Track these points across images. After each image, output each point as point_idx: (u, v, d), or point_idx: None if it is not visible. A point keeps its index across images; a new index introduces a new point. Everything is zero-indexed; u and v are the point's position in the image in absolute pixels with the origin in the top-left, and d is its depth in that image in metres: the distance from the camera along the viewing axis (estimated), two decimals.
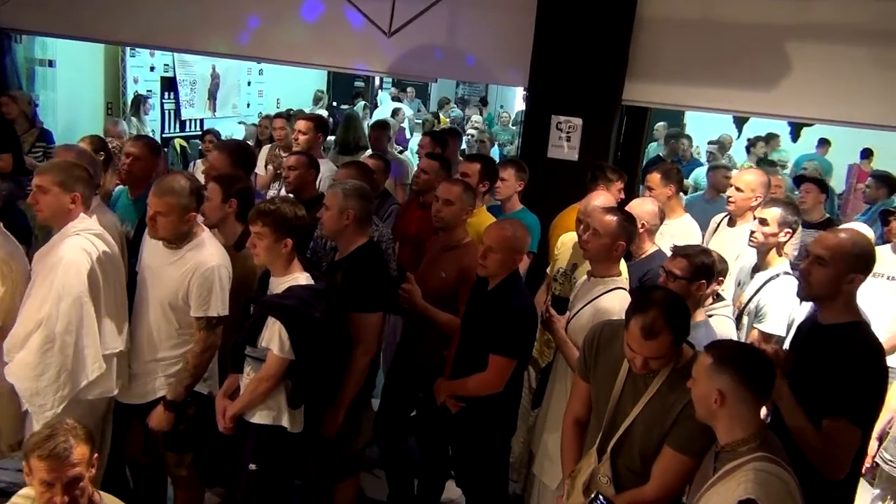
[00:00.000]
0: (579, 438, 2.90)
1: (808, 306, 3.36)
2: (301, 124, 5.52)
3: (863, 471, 3.87)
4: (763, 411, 2.81)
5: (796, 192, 6.18)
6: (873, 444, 3.78)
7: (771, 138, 10.58)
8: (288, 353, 3.11)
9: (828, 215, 5.81)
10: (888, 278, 4.60)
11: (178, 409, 3.32)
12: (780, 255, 3.92)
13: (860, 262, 2.71)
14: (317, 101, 11.98)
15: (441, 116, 12.41)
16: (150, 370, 3.38)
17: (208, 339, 3.30)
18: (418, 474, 4.08)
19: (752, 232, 3.94)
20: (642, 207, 4.05)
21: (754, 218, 4.02)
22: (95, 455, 2.50)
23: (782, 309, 3.76)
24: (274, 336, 3.10)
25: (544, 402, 3.66)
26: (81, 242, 3.19)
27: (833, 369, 2.58)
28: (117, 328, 3.31)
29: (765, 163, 8.90)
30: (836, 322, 2.71)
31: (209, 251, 3.34)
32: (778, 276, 3.82)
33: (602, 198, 4.09)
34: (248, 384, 3.22)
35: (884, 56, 4.92)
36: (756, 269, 3.95)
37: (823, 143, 10.91)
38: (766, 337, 3.74)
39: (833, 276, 2.68)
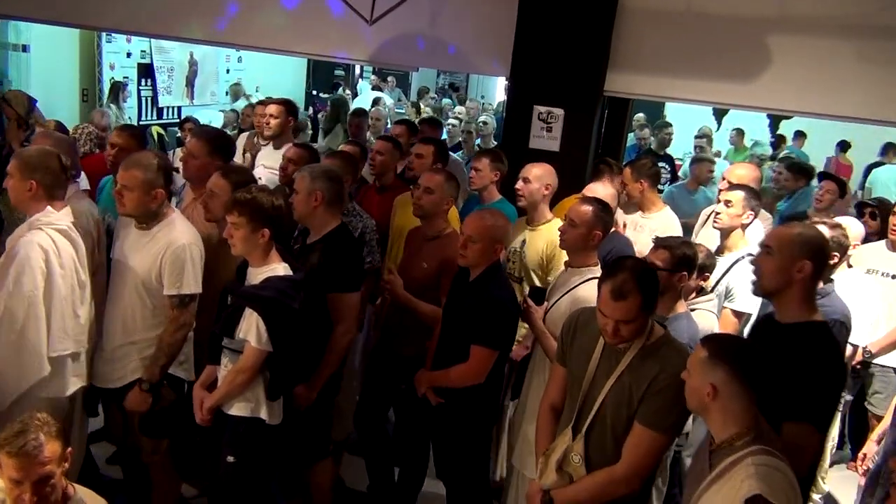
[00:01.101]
0: (554, 424, 2.91)
1: None
2: (272, 108, 5.47)
3: (861, 473, 3.92)
4: None
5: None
6: (871, 447, 3.81)
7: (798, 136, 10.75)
8: (265, 345, 3.08)
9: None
10: (882, 275, 4.64)
11: (153, 390, 3.32)
12: (744, 236, 4.05)
13: (806, 248, 2.67)
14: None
15: (422, 106, 12.36)
16: (126, 353, 3.38)
17: (181, 317, 3.32)
18: (399, 464, 4.07)
19: (717, 214, 4.08)
20: (599, 191, 4.10)
21: (719, 201, 4.14)
22: (69, 449, 2.45)
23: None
24: (251, 327, 3.07)
25: (523, 394, 3.66)
26: (40, 238, 3.12)
27: (796, 372, 2.52)
28: (71, 328, 3.22)
29: (754, 157, 9.00)
30: (795, 321, 2.67)
31: (179, 230, 3.36)
32: (744, 257, 3.93)
33: (601, 188, 4.13)
34: (226, 376, 3.19)
35: (864, 49, 4.95)
36: (719, 251, 4.03)
37: (799, 135, 11.01)
38: (738, 315, 3.87)
39: (781, 264, 2.67)
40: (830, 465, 4.45)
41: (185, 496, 4.01)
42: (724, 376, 2.23)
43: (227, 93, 11.30)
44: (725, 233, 4.07)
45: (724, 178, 4.68)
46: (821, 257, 2.72)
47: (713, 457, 2.29)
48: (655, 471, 2.71)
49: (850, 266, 4.17)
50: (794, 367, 2.53)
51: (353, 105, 10.95)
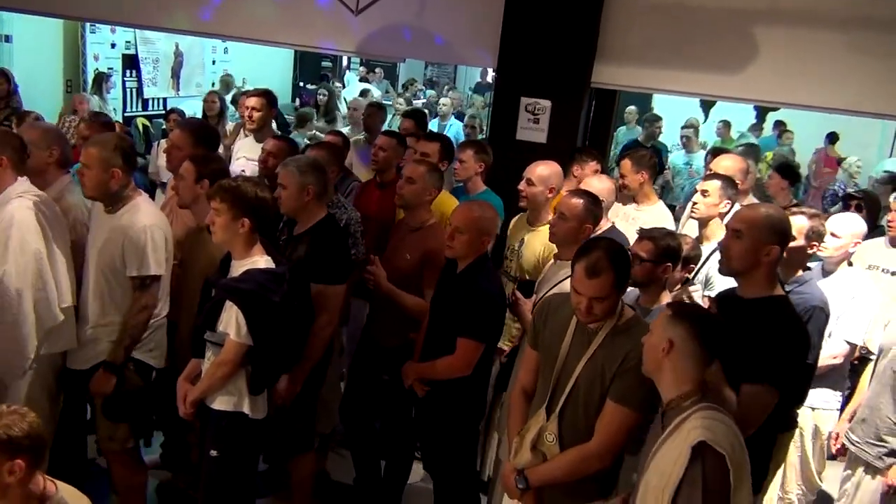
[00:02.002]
0: (525, 406, 2.94)
1: None
2: (254, 101, 5.39)
3: (835, 451, 3.95)
4: None
5: None
6: (843, 426, 3.83)
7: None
8: (245, 339, 3.05)
9: (795, 201, 5.85)
10: (883, 271, 4.64)
11: (117, 372, 3.33)
12: (722, 225, 3.99)
13: (774, 233, 2.79)
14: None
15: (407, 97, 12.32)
16: (96, 336, 3.41)
17: (142, 299, 3.34)
18: (385, 456, 4.06)
19: (694, 203, 4.11)
20: (598, 185, 4.07)
21: (696, 191, 4.18)
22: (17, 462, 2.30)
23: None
24: (231, 320, 3.04)
25: (510, 387, 3.65)
26: (25, 203, 3.24)
27: (757, 342, 2.66)
28: (66, 284, 3.34)
29: (745, 146, 8.98)
30: (758, 296, 2.80)
31: (143, 212, 3.38)
32: None
33: (597, 182, 4.12)
34: (208, 369, 3.16)
35: (851, 41, 4.95)
36: (698, 240, 4.02)
37: (779, 125, 11.02)
38: None
39: (749, 247, 2.78)
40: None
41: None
42: (683, 333, 2.32)
43: (213, 84, 11.23)
44: (703, 222, 4.10)
45: (709, 170, 4.67)
46: (786, 240, 2.87)
47: (664, 418, 2.37)
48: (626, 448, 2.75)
49: (850, 264, 4.15)
50: (755, 335, 2.67)
51: (341, 97, 10.93)
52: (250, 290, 3.05)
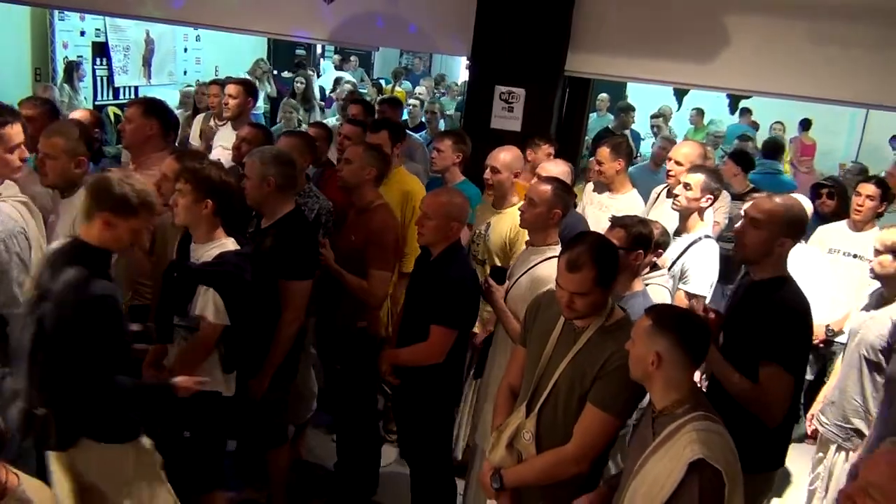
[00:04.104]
0: (511, 402, 2.92)
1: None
2: (231, 88, 5.39)
3: (808, 433, 4.02)
4: (698, 375, 2.89)
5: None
6: (816, 408, 3.90)
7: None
8: (223, 319, 3.09)
9: (752, 185, 5.92)
10: (845, 254, 4.71)
11: None
12: (701, 219, 4.07)
13: (792, 227, 2.91)
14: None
15: (384, 86, 12.24)
16: None
17: None
18: (350, 440, 4.12)
19: (676, 196, 4.08)
20: (554, 169, 4.10)
21: (669, 177, 4.22)
22: None
23: (705, 270, 3.92)
24: (208, 303, 3.06)
25: (485, 373, 3.68)
26: (8, 209, 3.15)
27: (763, 317, 2.81)
28: None
29: (710, 134, 9.08)
30: (767, 277, 2.93)
31: None
32: (700, 239, 3.97)
33: (554, 167, 4.16)
34: (182, 352, 3.17)
35: (820, 30, 5.02)
36: (677, 232, 4.06)
37: (744, 112, 11.11)
38: (691, 297, 3.90)
39: (766, 237, 2.88)
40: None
41: None
42: (668, 344, 2.28)
43: (185, 72, 11.09)
44: (683, 215, 4.07)
45: (669, 158, 4.64)
46: (800, 234, 3.02)
47: (655, 424, 2.34)
48: (607, 452, 2.73)
49: (804, 241, 4.22)
50: (762, 313, 2.83)
51: (316, 86, 10.85)
52: (227, 272, 3.08)
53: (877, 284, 3.79)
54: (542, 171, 4.07)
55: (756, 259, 2.94)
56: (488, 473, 2.79)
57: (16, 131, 2.98)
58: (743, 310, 2.98)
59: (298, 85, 9.39)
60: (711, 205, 4.10)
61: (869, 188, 4.76)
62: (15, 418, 2.68)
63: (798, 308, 2.88)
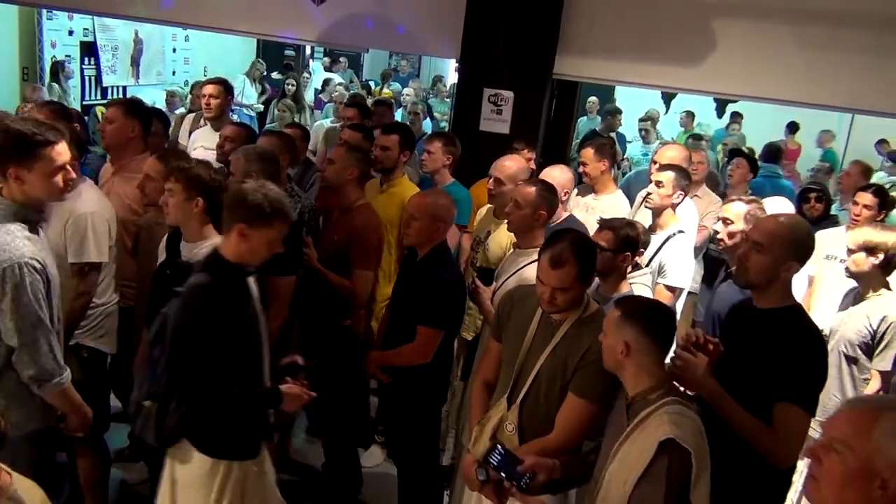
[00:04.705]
0: (486, 398, 2.95)
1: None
2: (211, 88, 5.35)
3: None
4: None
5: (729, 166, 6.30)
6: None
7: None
8: None
9: (751, 191, 5.96)
10: (841, 261, 4.73)
11: None
12: (674, 215, 4.17)
13: (798, 248, 2.67)
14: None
15: (373, 88, 12.26)
16: None
17: (81, 285, 3.30)
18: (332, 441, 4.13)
19: (649, 194, 4.20)
20: (558, 175, 4.13)
21: (651, 182, 4.25)
22: None
23: (683, 264, 4.02)
24: None
25: (472, 375, 3.68)
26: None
27: (779, 354, 2.54)
28: None
29: (691, 137, 9.10)
30: (774, 306, 2.68)
31: (85, 199, 3.34)
32: (675, 234, 4.08)
33: (558, 173, 4.17)
34: None
35: (806, 35, 5.07)
36: (652, 229, 4.12)
37: (735, 116, 11.18)
38: (671, 290, 3.99)
39: (771, 262, 2.64)
40: None
41: (129, 482, 3.99)
42: (636, 333, 2.33)
43: (173, 72, 11.05)
44: (657, 212, 4.19)
45: (653, 161, 4.70)
46: (807, 256, 2.74)
47: (630, 410, 2.38)
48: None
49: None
50: (778, 349, 2.55)
51: (307, 87, 10.86)
52: None
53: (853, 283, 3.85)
54: (545, 176, 4.06)
55: (761, 284, 2.70)
56: (472, 466, 2.76)
57: (57, 152, 2.65)
58: (749, 342, 2.67)
59: (289, 87, 9.39)
60: (682, 200, 4.21)
61: (867, 197, 4.71)
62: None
63: (817, 345, 2.63)
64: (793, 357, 2.53)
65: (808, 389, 2.58)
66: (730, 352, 2.66)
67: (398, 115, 8.92)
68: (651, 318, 2.39)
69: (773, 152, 7.63)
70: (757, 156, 7.99)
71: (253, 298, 2.80)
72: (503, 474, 2.50)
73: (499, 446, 2.58)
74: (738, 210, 3.68)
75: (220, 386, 2.65)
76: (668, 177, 4.12)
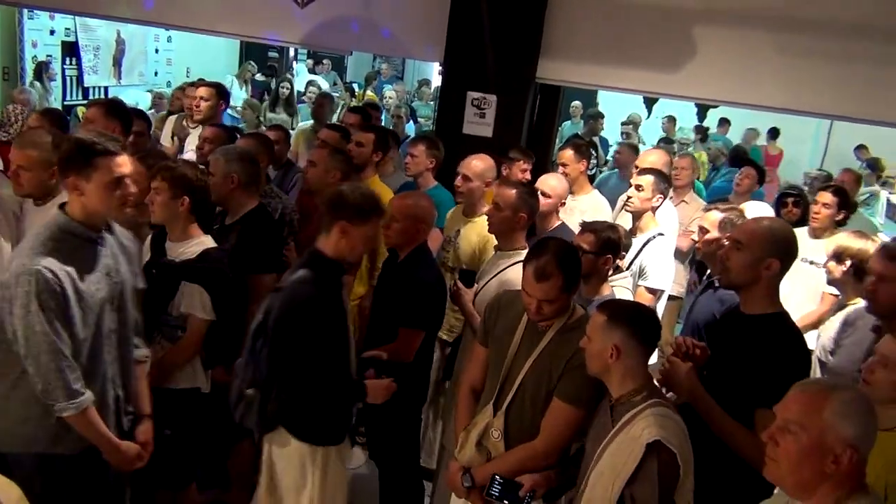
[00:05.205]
0: (473, 404, 2.95)
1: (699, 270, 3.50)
2: (202, 91, 5.39)
3: None
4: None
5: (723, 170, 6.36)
6: None
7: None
8: (211, 315, 3.16)
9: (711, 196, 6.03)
10: (802, 260, 4.80)
11: None
12: (654, 218, 4.24)
13: (777, 246, 2.70)
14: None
15: (356, 90, 12.24)
16: None
17: None
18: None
19: (629, 198, 4.26)
20: (554, 184, 4.14)
21: (630, 185, 4.30)
22: None
23: (663, 266, 4.09)
24: (195, 301, 3.12)
25: (454, 375, 3.70)
26: None
27: (762, 360, 2.56)
28: None
29: (663, 142, 9.19)
30: (761, 312, 2.70)
31: None
32: (654, 237, 4.15)
33: (555, 181, 4.18)
34: (172, 352, 3.19)
35: (785, 42, 5.11)
36: (632, 232, 4.17)
37: (723, 122, 11.29)
38: (652, 292, 4.04)
39: (750, 260, 2.68)
40: None
41: None
42: (624, 336, 2.37)
43: (156, 73, 10.99)
44: (637, 215, 4.24)
45: (636, 167, 4.75)
46: (789, 255, 2.74)
47: (614, 412, 2.42)
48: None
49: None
50: (761, 355, 2.57)
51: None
52: (215, 269, 3.15)
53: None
54: (541, 184, 4.08)
55: (743, 283, 2.73)
56: (458, 473, 2.82)
57: (116, 163, 2.57)
58: (734, 348, 2.69)
59: (283, 90, 9.37)
60: (661, 204, 4.27)
61: (826, 196, 4.89)
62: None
63: (798, 352, 2.65)
64: (774, 364, 2.53)
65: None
66: (717, 357, 2.72)
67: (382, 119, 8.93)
68: (637, 320, 2.42)
69: (740, 156, 7.67)
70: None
71: (344, 294, 2.98)
72: (507, 502, 2.61)
73: (496, 477, 2.66)
74: (713, 218, 3.73)
75: (318, 376, 2.86)
76: (647, 180, 4.18)
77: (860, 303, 3.70)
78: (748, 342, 2.64)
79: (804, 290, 4.62)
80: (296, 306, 2.79)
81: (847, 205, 4.95)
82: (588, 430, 2.61)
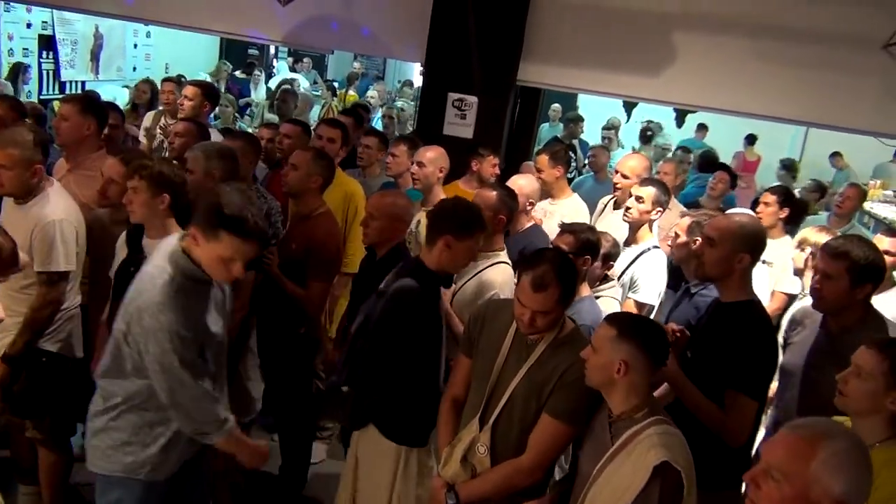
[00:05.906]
0: (456, 416, 2.87)
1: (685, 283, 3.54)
2: (188, 90, 5.34)
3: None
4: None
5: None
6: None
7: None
8: None
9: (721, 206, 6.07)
10: (762, 262, 4.86)
11: (13, 364, 3.24)
12: (650, 230, 4.18)
13: (747, 242, 2.89)
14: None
15: (337, 89, 12.22)
16: (4, 328, 3.24)
17: (49, 294, 3.25)
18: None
19: (628, 208, 4.17)
20: (525, 184, 4.15)
21: (630, 195, 4.25)
22: None
23: (654, 280, 4.01)
24: None
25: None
26: None
27: (731, 344, 2.76)
28: None
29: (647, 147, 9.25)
30: (734, 300, 2.90)
31: (53, 204, 3.29)
32: (649, 249, 4.08)
33: (524, 181, 4.21)
34: None
35: (764, 48, 5.18)
36: (627, 243, 4.16)
37: (701, 127, 11.36)
38: (640, 306, 3.98)
39: (722, 255, 2.87)
40: None
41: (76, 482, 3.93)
42: (633, 351, 2.30)
43: (134, 68, 10.88)
44: (634, 226, 4.16)
45: (616, 171, 4.74)
46: (758, 249, 2.96)
47: (613, 428, 2.36)
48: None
49: None
50: (731, 339, 2.78)
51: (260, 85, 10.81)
52: None
53: None
54: (512, 184, 4.09)
55: (717, 276, 2.93)
56: (441, 490, 2.75)
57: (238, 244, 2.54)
58: (709, 332, 2.91)
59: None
60: (660, 217, 4.22)
61: (767, 196, 5.09)
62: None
63: (763, 335, 2.83)
64: (742, 348, 2.74)
65: (755, 378, 2.77)
66: (698, 340, 2.93)
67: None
68: (647, 334, 2.36)
69: (710, 161, 7.71)
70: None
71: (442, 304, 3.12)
72: None
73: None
74: (685, 224, 3.75)
75: (413, 379, 2.96)
76: (648, 192, 4.08)
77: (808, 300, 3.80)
78: (721, 328, 2.85)
79: (755, 288, 4.67)
80: (400, 313, 2.90)
81: (791, 202, 5.09)
82: (583, 447, 2.55)
